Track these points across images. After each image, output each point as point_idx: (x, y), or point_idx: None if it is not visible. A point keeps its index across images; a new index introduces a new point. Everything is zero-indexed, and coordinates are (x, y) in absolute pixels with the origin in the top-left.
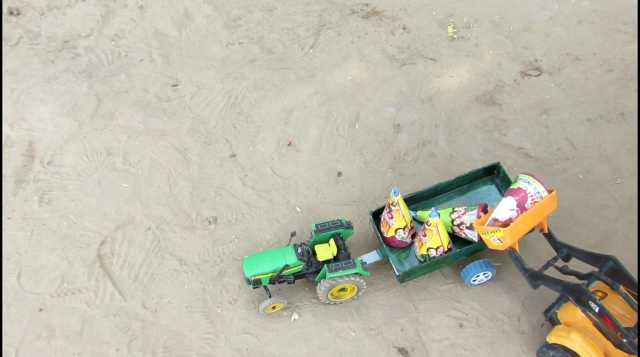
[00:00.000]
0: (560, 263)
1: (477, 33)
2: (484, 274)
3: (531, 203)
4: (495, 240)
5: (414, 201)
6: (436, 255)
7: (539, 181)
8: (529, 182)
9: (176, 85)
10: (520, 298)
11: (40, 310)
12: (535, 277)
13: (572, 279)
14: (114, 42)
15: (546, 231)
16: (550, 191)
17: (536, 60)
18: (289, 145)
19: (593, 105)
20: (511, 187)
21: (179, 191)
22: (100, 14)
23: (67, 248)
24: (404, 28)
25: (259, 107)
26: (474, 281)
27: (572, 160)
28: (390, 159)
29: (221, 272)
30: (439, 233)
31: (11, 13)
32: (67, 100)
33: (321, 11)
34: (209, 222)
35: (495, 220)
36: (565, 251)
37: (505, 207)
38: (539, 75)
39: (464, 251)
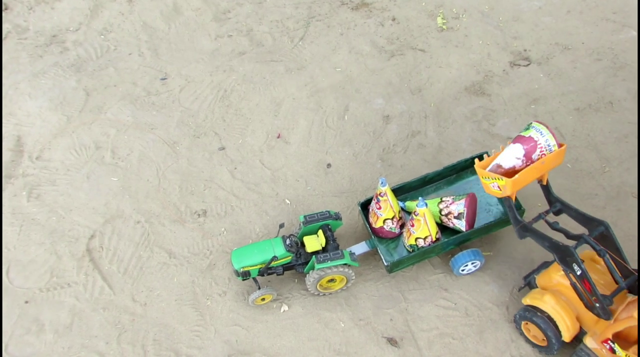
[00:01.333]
0: (551, 219)
1: (466, 23)
2: (472, 263)
3: (539, 155)
4: (495, 187)
5: (403, 192)
6: (424, 245)
7: (551, 132)
8: (541, 133)
9: (165, 78)
10: (508, 287)
11: (27, 302)
12: (525, 229)
13: (561, 237)
14: (102, 36)
15: (544, 183)
16: (560, 145)
17: (525, 50)
18: (278, 137)
19: (581, 94)
20: (522, 133)
21: (168, 185)
22: (89, 7)
23: (56, 242)
24: (393, 19)
25: (248, 99)
26: (463, 270)
27: None
28: (379, 150)
29: (210, 265)
30: (426, 223)
31: None
32: (55, 94)
33: (310, 3)
34: (198, 215)
35: (499, 166)
36: (559, 206)
37: (511, 154)
38: (528, 65)
39: (452, 240)
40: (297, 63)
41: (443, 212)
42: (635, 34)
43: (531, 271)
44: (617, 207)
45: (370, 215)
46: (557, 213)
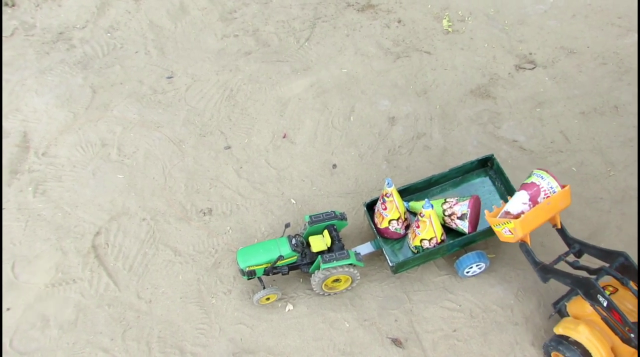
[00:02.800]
0: (571, 258)
1: (472, 26)
2: (477, 265)
3: (544, 197)
4: (507, 232)
5: (408, 193)
6: (429, 246)
7: (552, 176)
8: (542, 177)
9: (171, 77)
10: (513, 289)
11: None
12: (546, 271)
13: (583, 274)
14: (109, 34)
15: (559, 226)
16: (563, 186)
17: (530, 54)
18: (284, 137)
19: (587, 98)
20: (525, 181)
21: (173, 183)
22: (96, 5)
23: (62, 238)
24: (399, 21)
25: (254, 99)
26: (467, 272)
27: (566, 153)
28: (385, 152)
29: (216, 263)
30: (432, 224)
31: (6, 4)
32: (62, 91)
33: (316, 4)
34: (204, 213)
35: (508, 213)
36: (578, 247)
37: (517, 201)
38: (534, 68)
39: (457, 242)
40: (303, 64)
41: (446, 213)
42: None
43: (560, 297)
44: (622, 211)
45: (375, 215)
46: (577, 254)
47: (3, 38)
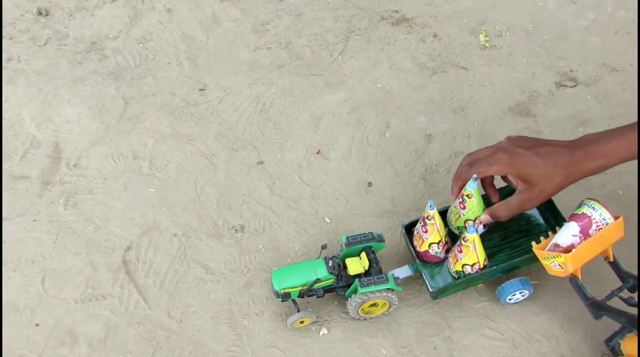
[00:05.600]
0: (625, 294)
1: (509, 42)
2: (520, 292)
3: (596, 230)
4: (556, 266)
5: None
6: (471, 272)
7: (604, 206)
8: (594, 208)
9: (203, 89)
10: (558, 319)
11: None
12: (598, 308)
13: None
14: (141, 45)
15: (611, 259)
16: (616, 218)
17: (571, 71)
18: (317, 153)
19: (631, 118)
20: (574, 212)
21: (205, 198)
22: (128, 15)
23: (92, 253)
24: (435, 35)
25: (287, 113)
26: (510, 299)
27: (611, 175)
28: (421, 170)
29: (248, 283)
30: (475, 249)
31: (40, 13)
32: (94, 102)
33: (350, 17)
34: (236, 230)
35: (557, 245)
36: (632, 282)
37: (567, 233)
38: (575, 86)
39: (500, 268)
40: (336, 77)
41: None
42: None
43: (613, 333)
44: None
45: (414, 238)
46: (632, 289)
47: (37, 47)
